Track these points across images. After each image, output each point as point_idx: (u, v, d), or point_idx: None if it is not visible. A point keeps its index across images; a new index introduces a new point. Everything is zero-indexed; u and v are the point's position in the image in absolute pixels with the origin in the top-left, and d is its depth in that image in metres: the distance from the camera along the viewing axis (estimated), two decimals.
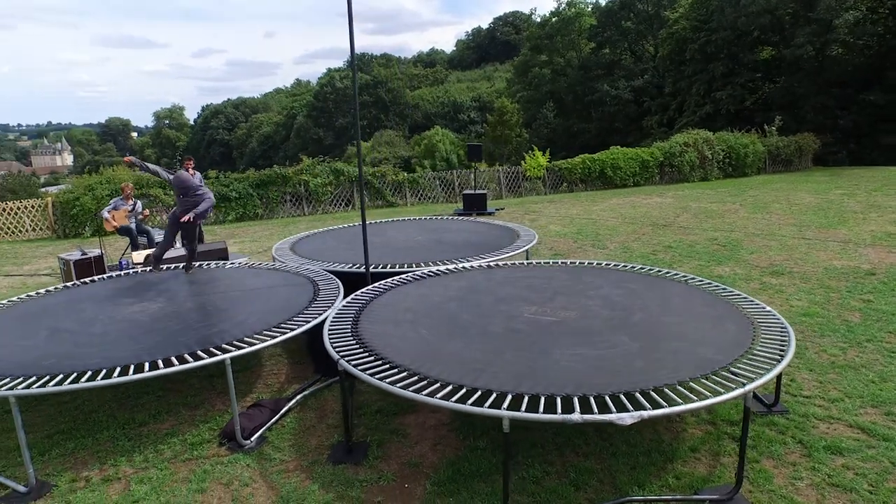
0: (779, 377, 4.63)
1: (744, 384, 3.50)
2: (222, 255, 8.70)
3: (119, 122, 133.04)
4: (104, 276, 7.35)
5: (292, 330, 4.79)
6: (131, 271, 7.70)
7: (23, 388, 4.00)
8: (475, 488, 3.84)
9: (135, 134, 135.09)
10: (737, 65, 28.75)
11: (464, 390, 3.57)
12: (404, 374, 3.84)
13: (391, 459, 4.26)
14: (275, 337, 4.66)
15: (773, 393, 4.65)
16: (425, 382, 3.70)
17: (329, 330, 4.67)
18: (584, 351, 4.09)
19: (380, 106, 66.73)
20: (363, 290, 5.71)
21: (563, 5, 41.36)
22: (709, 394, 3.42)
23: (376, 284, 5.86)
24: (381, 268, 6.65)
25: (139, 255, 8.31)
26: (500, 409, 3.31)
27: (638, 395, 3.41)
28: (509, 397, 3.45)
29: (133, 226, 9.05)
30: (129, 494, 4.02)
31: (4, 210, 15.08)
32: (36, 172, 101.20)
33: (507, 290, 5.55)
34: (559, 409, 3.29)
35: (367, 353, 4.20)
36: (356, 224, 10.32)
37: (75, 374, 4.14)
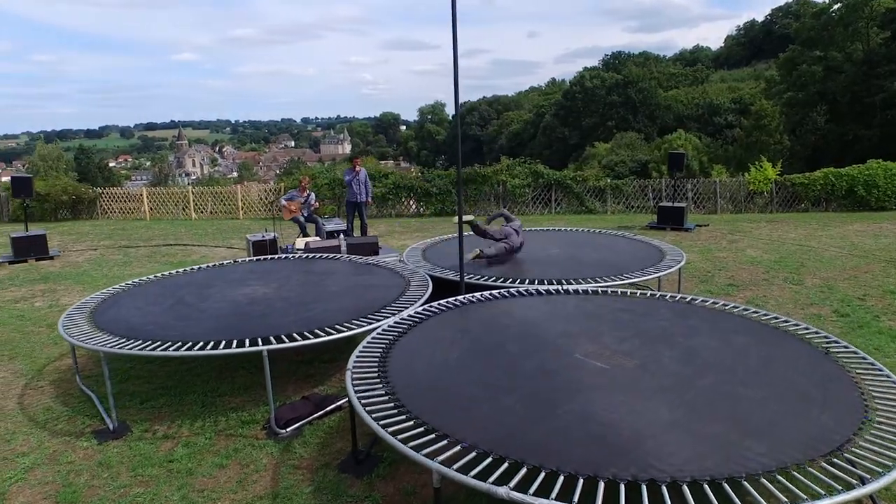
0: None
1: None
2: (373, 249, 9.22)
3: (390, 117, 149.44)
4: (265, 256, 8.37)
5: (339, 333, 4.90)
6: (292, 255, 8.62)
7: (109, 347, 4.75)
8: None
9: (403, 127, 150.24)
10: None
11: (422, 428, 3.26)
12: (387, 399, 3.66)
13: (391, 481, 4.10)
14: (317, 338, 4.82)
15: None
16: (396, 411, 3.47)
17: (367, 343, 4.64)
18: (600, 413, 3.42)
19: (629, 106, 64.18)
20: (436, 303, 5.56)
21: None
22: None
23: (453, 299, 5.66)
24: (486, 280, 6.43)
25: (301, 242, 9.26)
26: (433, 460, 2.95)
27: (601, 484, 2.75)
28: (458, 447, 3.06)
29: (304, 215, 10.11)
30: (171, 454, 4.53)
31: (257, 191, 18.11)
32: (322, 159, 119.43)
33: (581, 324, 4.92)
34: (518, 477, 2.81)
35: (375, 373, 4.09)
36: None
37: (148, 343, 4.79)
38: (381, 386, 3.84)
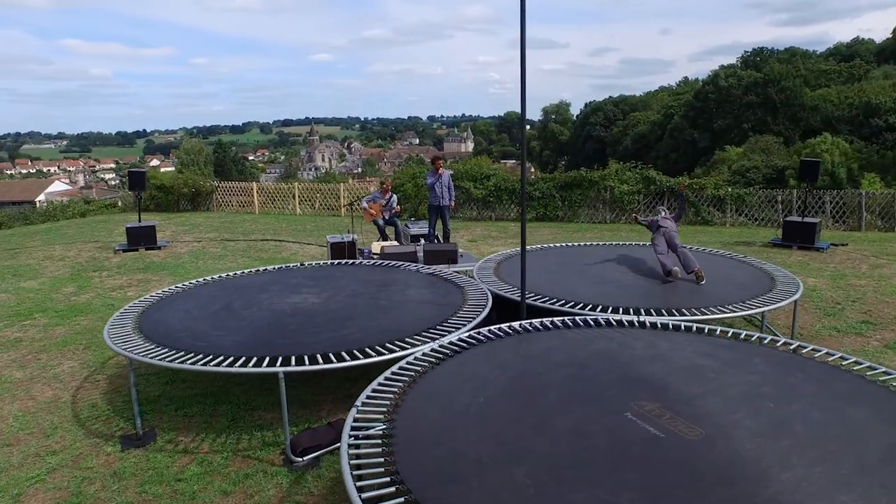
0: None
1: None
2: (451, 257, 8.71)
3: (514, 116, 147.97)
4: (332, 261, 8.13)
5: (365, 358, 4.43)
6: (367, 261, 8.33)
7: (135, 353, 4.61)
8: None
9: (527, 126, 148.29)
10: None
11: (403, 498, 2.68)
12: (380, 452, 3.11)
13: None
14: (340, 362, 4.38)
15: None
16: (384, 469, 2.92)
17: (388, 375, 4.12)
18: None
19: (768, 107, 58.81)
20: (486, 329, 4.92)
21: None
22: None
23: (506, 325, 4.99)
24: (553, 303, 5.69)
25: (377, 246, 8.94)
26: None
27: None
28: None
29: (385, 218, 9.78)
30: (183, 471, 4.30)
31: (352, 189, 18.28)
32: (445, 156, 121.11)
33: (647, 370, 4.07)
34: None
35: (383, 416, 3.57)
36: (611, 243, 9.24)
37: (172, 352, 4.60)
38: (382, 433, 3.30)
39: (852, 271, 9.82)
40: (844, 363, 4.23)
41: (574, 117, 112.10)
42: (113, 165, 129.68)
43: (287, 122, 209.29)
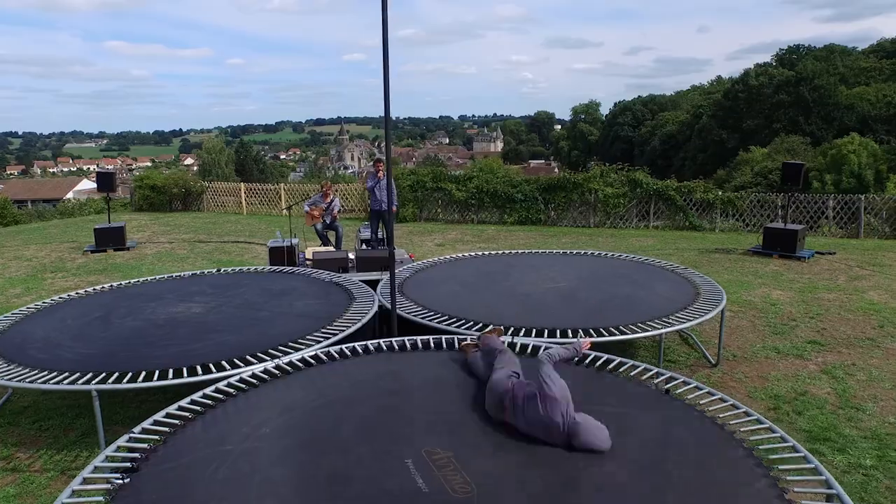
0: None
1: None
2: (385, 264, 8.36)
3: (545, 115, 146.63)
4: (261, 267, 7.88)
5: (188, 376, 4.15)
6: (298, 269, 8.06)
7: None
8: None
9: (557, 126, 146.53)
10: None
11: None
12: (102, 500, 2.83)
13: None
14: (163, 380, 4.11)
15: None
16: None
17: (192, 400, 3.82)
18: None
19: (800, 107, 56.73)
20: (334, 347, 4.59)
21: None
22: None
23: (360, 344, 4.65)
24: (432, 319, 5.31)
25: (311, 251, 8.68)
26: None
27: None
28: None
29: (326, 222, 9.50)
30: None
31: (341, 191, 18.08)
32: (474, 156, 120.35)
33: (473, 404, 3.68)
34: None
35: (144, 456, 3.28)
36: (558, 252, 8.79)
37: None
38: (118, 481, 3.00)
39: (826, 283, 9.15)
40: (703, 401, 3.76)
41: (604, 117, 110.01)
42: (149, 164, 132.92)
43: (319, 122, 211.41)
